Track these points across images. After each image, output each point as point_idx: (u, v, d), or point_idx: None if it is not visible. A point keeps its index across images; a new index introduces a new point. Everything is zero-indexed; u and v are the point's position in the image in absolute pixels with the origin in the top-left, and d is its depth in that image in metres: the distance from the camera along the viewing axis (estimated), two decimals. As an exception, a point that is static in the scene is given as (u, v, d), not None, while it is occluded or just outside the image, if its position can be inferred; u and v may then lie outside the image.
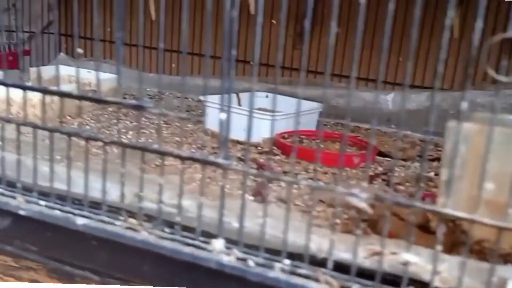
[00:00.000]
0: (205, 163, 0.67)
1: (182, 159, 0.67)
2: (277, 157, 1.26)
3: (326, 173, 1.16)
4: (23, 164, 0.76)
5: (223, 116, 0.66)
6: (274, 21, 1.79)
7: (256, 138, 1.34)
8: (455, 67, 1.70)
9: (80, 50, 1.85)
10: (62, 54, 1.93)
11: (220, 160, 0.66)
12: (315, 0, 1.79)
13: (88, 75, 1.61)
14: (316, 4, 1.79)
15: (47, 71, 1.59)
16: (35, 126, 0.71)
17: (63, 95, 0.69)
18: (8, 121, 0.72)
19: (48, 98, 1.24)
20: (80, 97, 0.68)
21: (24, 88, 0.69)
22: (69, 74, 1.63)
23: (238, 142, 1.31)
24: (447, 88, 1.71)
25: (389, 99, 1.71)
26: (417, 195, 0.60)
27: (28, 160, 0.77)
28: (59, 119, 1.33)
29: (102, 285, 0.74)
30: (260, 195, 0.96)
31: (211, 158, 0.67)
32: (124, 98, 1.76)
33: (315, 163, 1.19)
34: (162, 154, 0.68)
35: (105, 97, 0.68)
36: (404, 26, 1.70)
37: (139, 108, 0.66)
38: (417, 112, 1.66)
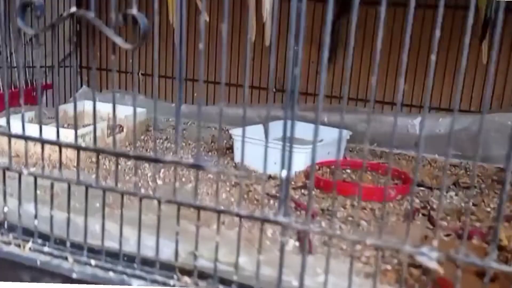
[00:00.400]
0: (264, 221, 0.66)
1: (241, 217, 0.66)
2: (313, 193, 1.23)
3: (364, 208, 1.14)
4: (72, 221, 0.75)
5: (284, 173, 0.65)
6: (296, 47, 1.78)
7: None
8: (482, 90, 1.68)
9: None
10: (84, 87, 1.93)
11: (280, 218, 0.65)
12: (338, 25, 1.78)
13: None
14: (340, 28, 1.78)
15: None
16: (88, 185, 0.70)
17: (118, 155, 0.67)
18: (59, 179, 0.71)
19: (80, 139, 1.23)
20: (137, 157, 0.67)
21: (79, 148, 0.68)
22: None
23: (270, 176, 1.30)
24: (474, 111, 1.69)
25: (416, 123, 1.69)
26: (492, 256, 0.58)
27: (78, 218, 0.76)
28: (90, 159, 1.32)
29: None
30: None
31: (271, 216, 0.65)
32: (149, 130, 1.74)
33: (352, 198, 1.17)
34: (220, 212, 0.66)
35: (161, 157, 0.66)
36: (429, 49, 1.68)
37: (197, 167, 0.65)
38: (445, 136, 1.64)
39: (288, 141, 0.63)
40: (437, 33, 0.57)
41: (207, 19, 1.49)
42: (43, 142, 0.70)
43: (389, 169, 0.83)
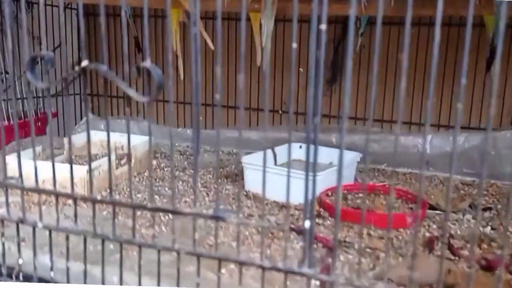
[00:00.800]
0: (288, 272, 0.64)
1: (264, 269, 0.64)
2: (327, 222, 1.21)
3: (382, 237, 1.12)
4: (89, 273, 0.73)
5: (307, 224, 0.63)
6: (301, 69, 1.77)
7: (299, 199, 1.30)
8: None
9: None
10: (90, 115, 1.91)
11: (305, 270, 0.63)
12: (341, 47, 1.77)
13: (120, 138, 1.59)
14: (343, 49, 1.77)
15: (80, 139, 1.58)
16: (105, 238, 0.68)
17: (135, 207, 0.65)
18: (75, 232, 0.69)
19: (88, 175, 1.21)
20: (154, 209, 0.65)
21: (94, 201, 0.66)
22: (101, 139, 1.60)
23: (283, 206, 1.27)
24: (485, 128, 1.67)
25: (426, 142, 1.67)
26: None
27: (94, 269, 0.74)
28: (100, 193, 1.30)
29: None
30: (327, 270, 0.91)
31: (295, 267, 0.63)
32: (156, 157, 1.72)
33: (368, 226, 1.15)
34: (242, 264, 0.64)
35: (179, 209, 0.64)
36: (439, 66, 1.67)
37: (217, 219, 0.63)
38: (457, 154, 1.63)
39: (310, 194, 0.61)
40: (465, 56, 0.55)
41: (213, 48, 1.48)
42: (57, 195, 0.68)
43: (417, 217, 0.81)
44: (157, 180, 1.46)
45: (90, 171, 0.69)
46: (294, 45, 0.57)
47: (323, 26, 0.55)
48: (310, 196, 0.62)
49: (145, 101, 0.59)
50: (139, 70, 0.59)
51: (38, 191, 0.69)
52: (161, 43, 1.85)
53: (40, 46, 1.86)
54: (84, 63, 0.61)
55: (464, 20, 1.55)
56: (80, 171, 1.20)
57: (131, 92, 0.60)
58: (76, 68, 0.62)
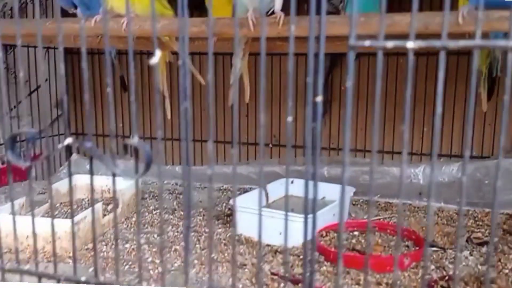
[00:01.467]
0: None
1: None
2: (323, 268, 1.17)
3: (380, 283, 1.08)
4: None
5: (309, 301, 0.59)
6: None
7: (294, 242, 1.26)
8: (483, 135, 1.66)
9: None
10: (74, 155, 1.87)
11: None
12: (330, 78, 1.75)
13: (106, 181, 1.55)
14: (333, 79, 1.75)
15: (65, 184, 1.53)
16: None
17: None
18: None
19: (75, 227, 1.16)
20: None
21: (79, 282, 0.62)
22: (87, 182, 1.55)
23: (277, 251, 1.24)
24: (476, 156, 1.66)
25: (419, 173, 1.65)
26: None
27: None
28: (85, 245, 1.26)
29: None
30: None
31: None
32: (144, 198, 1.67)
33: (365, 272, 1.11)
34: None
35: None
36: (426, 95, 1.66)
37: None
38: (448, 185, 1.61)
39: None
40: (440, 88, 0.52)
41: (203, 82, 1.46)
42: (39, 275, 0.64)
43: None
44: (146, 225, 1.41)
45: (74, 256, 0.64)
46: (289, 119, 0.54)
47: (319, 98, 0.53)
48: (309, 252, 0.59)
49: (134, 179, 0.56)
50: (126, 148, 0.56)
51: (20, 272, 0.65)
52: (147, 79, 1.82)
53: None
54: (68, 140, 0.57)
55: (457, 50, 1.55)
56: (64, 225, 1.16)
57: (118, 171, 0.56)
58: (59, 146, 0.58)
